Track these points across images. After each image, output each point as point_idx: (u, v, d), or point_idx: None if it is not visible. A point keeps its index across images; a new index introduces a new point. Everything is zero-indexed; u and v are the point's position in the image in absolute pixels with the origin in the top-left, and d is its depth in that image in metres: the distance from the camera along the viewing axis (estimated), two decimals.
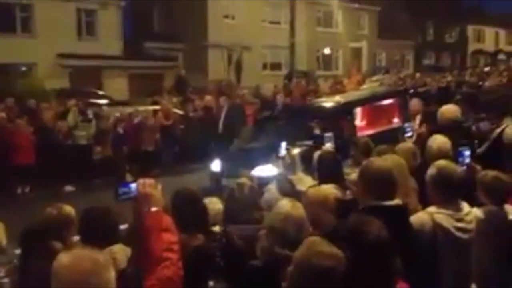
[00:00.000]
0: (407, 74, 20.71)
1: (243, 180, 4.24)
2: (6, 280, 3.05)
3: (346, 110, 9.47)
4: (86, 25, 24.31)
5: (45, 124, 11.46)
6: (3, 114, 11.20)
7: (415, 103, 8.75)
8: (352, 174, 4.79)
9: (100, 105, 16.50)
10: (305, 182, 4.97)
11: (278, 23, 30.27)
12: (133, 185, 2.43)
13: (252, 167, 6.97)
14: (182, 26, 27.41)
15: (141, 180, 2.45)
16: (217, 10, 28.27)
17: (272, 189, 5.06)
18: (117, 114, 13.20)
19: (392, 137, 7.14)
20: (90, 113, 12.46)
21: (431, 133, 5.48)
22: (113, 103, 18.53)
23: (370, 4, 36.15)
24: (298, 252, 2.35)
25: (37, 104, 12.64)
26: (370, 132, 8.81)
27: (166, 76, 25.53)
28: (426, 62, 40.30)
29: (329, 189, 3.61)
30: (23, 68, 21.85)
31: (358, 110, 9.80)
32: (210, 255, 3.22)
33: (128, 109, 13.78)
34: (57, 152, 11.21)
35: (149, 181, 2.45)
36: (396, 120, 10.22)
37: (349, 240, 2.60)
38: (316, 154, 5.54)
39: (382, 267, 2.49)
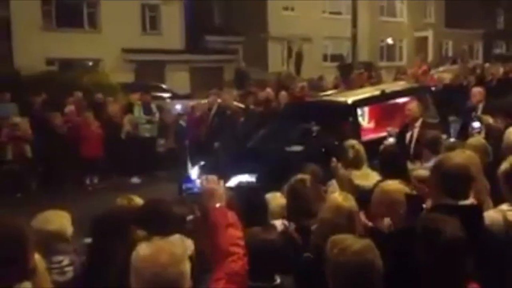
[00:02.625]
0: (476, 64, 19.85)
1: (304, 175, 4.23)
2: (70, 268, 3.14)
3: (348, 110, 8.44)
4: (150, 20, 24.85)
5: (111, 118, 11.86)
6: (72, 108, 11.68)
7: (475, 93, 8.41)
8: (417, 170, 4.65)
9: (163, 99, 16.90)
10: (370, 177, 4.89)
11: (339, 13, 29.73)
12: (197, 181, 2.46)
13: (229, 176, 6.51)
14: (242, 19, 27.52)
15: (204, 176, 2.48)
16: (277, 2, 28.15)
17: (334, 184, 5.01)
18: (179, 107, 13.46)
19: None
20: (153, 107, 12.76)
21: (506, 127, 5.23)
22: (175, 96, 18.93)
23: None
24: (332, 259, 2.32)
25: (104, 98, 13.08)
26: (378, 134, 7.96)
27: (226, 69, 25.76)
28: (496, 51, 38.42)
29: (398, 185, 3.54)
30: (90, 63, 22.67)
31: (365, 110, 8.95)
32: (282, 249, 3.24)
33: (190, 103, 14.01)
34: (122, 145, 11.60)
35: (212, 177, 2.48)
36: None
37: (423, 238, 2.53)
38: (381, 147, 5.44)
39: (455, 266, 2.42)
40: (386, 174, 4.45)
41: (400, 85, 10.65)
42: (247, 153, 8.56)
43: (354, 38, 20.55)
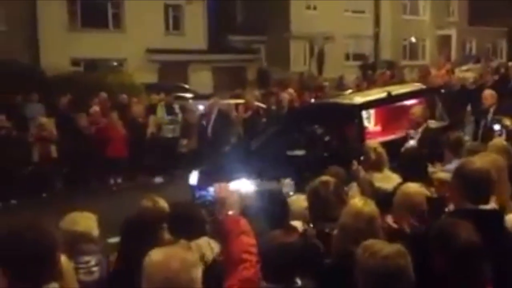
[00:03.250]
0: (500, 63, 19.52)
1: (327, 177, 4.22)
2: (96, 268, 3.22)
3: (353, 112, 8.07)
4: (173, 20, 25.04)
5: (136, 118, 11.99)
6: (97, 108, 11.84)
7: (487, 95, 8.26)
8: (438, 172, 4.63)
9: (186, 99, 17.02)
10: (391, 179, 4.88)
11: (362, 12, 29.48)
12: (210, 189, 2.50)
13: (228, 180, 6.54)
14: (264, 18, 27.52)
15: (217, 184, 2.51)
16: (299, 1, 28.05)
17: (355, 187, 5.00)
18: (201, 108, 13.54)
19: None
20: (176, 107, 12.86)
21: None
22: (198, 96, 19.04)
23: None
24: (362, 263, 2.33)
25: (128, 98, 13.23)
26: (386, 138, 7.66)
27: (249, 69, 25.80)
28: None
29: (419, 188, 3.58)
30: (114, 63, 22.90)
31: (372, 113, 8.72)
32: (301, 252, 3.26)
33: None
34: (146, 145, 11.74)
35: (225, 185, 2.50)
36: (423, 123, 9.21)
37: (439, 243, 2.54)
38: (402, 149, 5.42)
39: (471, 271, 2.43)
40: (407, 176, 4.43)
41: (407, 87, 10.43)
42: (247, 157, 8.34)
43: (376, 37, 20.46)
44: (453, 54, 33.08)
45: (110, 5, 23.37)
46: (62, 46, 20.46)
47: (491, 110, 8.11)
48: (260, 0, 27.61)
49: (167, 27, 24.83)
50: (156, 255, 2.04)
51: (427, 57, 33.60)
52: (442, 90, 11.12)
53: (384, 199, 3.81)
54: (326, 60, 26.56)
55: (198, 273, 2.02)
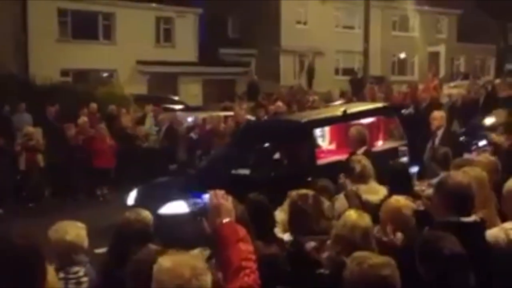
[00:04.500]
0: (486, 80, 19.80)
1: (306, 190, 4.24)
2: (85, 279, 3.20)
3: (303, 130, 7.78)
4: (164, 33, 25.14)
5: (124, 129, 11.97)
6: (86, 119, 11.81)
7: (436, 117, 7.62)
8: (427, 190, 4.69)
9: (175, 111, 17.02)
10: (378, 191, 4.92)
11: (352, 27, 29.89)
12: (205, 196, 2.48)
13: (164, 202, 6.28)
14: (255, 32, 27.74)
15: (212, 191, 2.51)
16: (290, 16, 28.37)
17: (341, 199, 5.02)
18: (190, 120, 13.55)
19: (377, 162, 5.84)
20: (161, 118, 12.86)
21: None
22: (187, 108, 19.06)
23: (450, 7, 34.89)
24: (349, 271, 2.36)
25: (117, 109, 13.22)
26: (340, 157, 7.35)
27: (239, 81, 25.90)
28: (509, 67, 38.19)
29: (406, 201, 3.64)
30: (104, 75, 22.93)
31: (326, 131, 8.54)
32: (282, 263, 3.27)
33: (202, 115, 14.11)
34: (134, 156, 11.70)
35: (220, 192, 2.51)
36: (379, 142, 8.67)
37: (424, 254, 2.59)
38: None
39: (456, 281, 2.48)
40: (393, 190, 4.47)
41: (365, 105, 10.31)
42: (189, 177, 8.14)
43: (366, 53, 20.64)
44: (442, 71, 33.46)
45: (101, 17, 23.43)
46: (52, 57, 20.42)
47: (439, 133, 7.44)
48: (251, 14, 27.84)
49: (158, 39, 24.92)
50: (166, 262, 2.05)
51: (415, 73, 33.97)
52: (410, 109, 11.00)
53: (371, 212, 3.85)
54: (316, 75, 26.73)
55: (208, 280, 2.04)
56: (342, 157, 7.26)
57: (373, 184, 5.18)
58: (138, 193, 7.73)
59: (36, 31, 20.76)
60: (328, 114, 8.99)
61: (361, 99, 14.40)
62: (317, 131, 8.21)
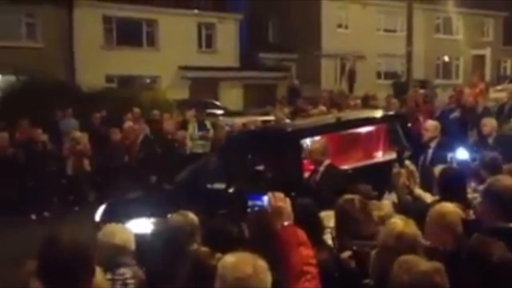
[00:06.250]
0: None
1: (352, 195, 4.18)
2: (132, 281, 3.24)
3: (288, 140, 7.00)
4: (206, 38, 25.42)
5: (167, 134, 12.11)
6: (131, 124, 12.02)
7: (429, 127, 7.03)
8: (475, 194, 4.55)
9: (216, 115, 17.14)
10: (426, 198, 4.83)
11: (394, 31, 29.49)
12: (264, 198, 2.46)
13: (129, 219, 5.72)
14: (296, 36, 27.69)
15: (270, 194, 2.49)
16: (331, 20, 28.23)
17: (386, 205, 4.92)
18: (229, 124, 13.59)
19: (375, 174, 5.58)
20: (208, 123, 12.96)
21: None
22: (228, 113, 19.17)
23: (496, 9, 33.92)
24: (397, 279, 2.30)
25: (160, 114, 13.41)
26: None
27: (279, 86, 25.90)
28: None
29: (453, 208, 3.51)
30: (148, 80, 23.35)
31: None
32: (332, 270, 3.21)
33: (242, 120, 14.15)
34: (176, 161, 11.80)
35: (279, 194, 2.49)
36: (379, 153, 8.03)
37: (472, 262, 2.50)
38: (436, 169, 5.32)
39: None
40: (445, 196, 4.34)
41: (364, 112, 9.70)
42: (163, 192, 7.73)
43: (409, 56, 20.23)
44: (487, 74, 32.53)
45: (145, 24, 23.87)
46: (97, 63, 20.94)
47: (432, 144, 6.89)
48: (292, 19, 27.81)
49: (199, 45, 25.22)
50: (230, 258, 2.15)
51: (460, 76, 33.15)
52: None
53: (422, 209, 3.76)
54: (357, 79, 26.46)
55: (268, 278, 2.09)
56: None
57: (418, 191, 5.09)
58: (106, 209, 7.17)
59: (82, 39, 21.33)
60: (320, 122, 8.34)
61: (405, 103, 14.13)
62: (307, 141, 7.17)
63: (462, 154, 6.41)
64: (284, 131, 7.77)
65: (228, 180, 6.86)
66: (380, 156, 7.98)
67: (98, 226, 6.32)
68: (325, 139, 6.56)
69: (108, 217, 6.58)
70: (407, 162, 5.48)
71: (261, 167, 6.85)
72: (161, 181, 9.22)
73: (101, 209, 7.23)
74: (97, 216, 7.10)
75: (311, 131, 7.41)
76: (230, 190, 6.68)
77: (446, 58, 33.24)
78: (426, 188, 5.04)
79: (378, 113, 9.03)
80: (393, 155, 7.56)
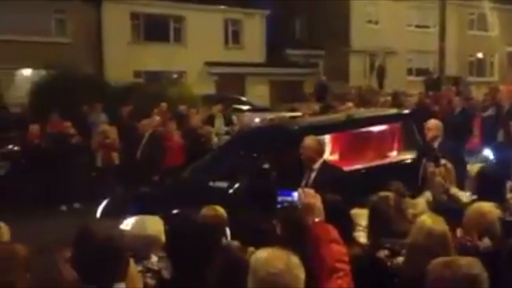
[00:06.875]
0: None
1: (387, 192, 4.11)
2: (162, 273, 3.21)
3: (293, 138, 6.58)
4: (232, 34, 25.46)
5: (194, 129, 12.11)
6: (158, 118, 12.05)
7: (431, 127, 6.71)
8: None
9: (243, 111, 17.10)
10: (461, 197, 4.71)
11: (426, 26, 29.07)
12: (294, 194, 2.43)
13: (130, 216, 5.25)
14: (324, 32, 27.49)
15: (300, 190, 2.44)
16: (361, 15, 28.00)
17: (420, 203, 4.83)
18: (257, 120, 13.54)
19: (389, 175, 5.24)
20: (234, 118, 12.92)
21: None
22: (254, 109, 19.11)
23: None
24: (434, 275, 2.25)
25: (187, 109, 13.42)
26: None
27: (306, 83, 25.77)
28: None
29: (492, 207, 3.47)
30: (174, 76, 23.46)
31: (327, 139, 7.25)
32: (365, 267, 3.14)
33: (269, 115, 14.08)
34: (202, 155, 11.78)
35: (309, 191, 2.44)
36: (393, 153, 7.76)
37: (509, 262, 2.57)
38: (472, 168, 5.22)
39: None
40: (482, 195, 4.23)
41: (377, 111, 9.43)
42: (165, 190, 7.54)
43: (442, 52, 19.85)
44: None
45: (172, 20, 24.01)
46: (125, 59, 21.15)
47: (435, 144, 6.58)
48: (319, 14, 27.62)
49: (226, 41, 25.26)
50: (263, 253, 2.15)
51: (495, 74, 32.45)
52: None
53: (457, 209, 3.73)
54: (388, 75, 26.12)
55: (301, 274, 2.08)
56: (349, 168, 6.59)
57: (455, 190, 4.98)
58: (108, 205, 7.01)
59: (110, 35, 21.61)
60: (327, 121, 8.12)
61: (437, 100, 13.83)
62: None
63: (487, 154, 6.21)
64: (289, 129, 7.56)
65: (230, 178, 6.70)
66: (394, 156, 7.73)
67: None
68: (321, 137, 6.32)
69: (107, 213, 6.53)
70: (444, 161, 5.32)
71: (266, 165, 6.68)
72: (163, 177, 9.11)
73: (102, 204, 7.08)
74: (98, 213, 6.92)
75: (319, 129, 7.15)
76: (233, 189, 6.51)
77: (480, 55, 32.58)
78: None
79: (391, 112, 8.81)
80: (408, 155, 7.34)
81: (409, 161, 7.26)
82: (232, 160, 7.33)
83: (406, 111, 9.17)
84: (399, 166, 7.18)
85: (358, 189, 4.56)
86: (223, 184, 6.66)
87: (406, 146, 7.67)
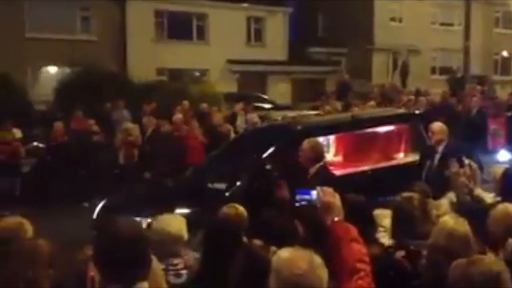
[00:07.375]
0: None
1: (411, 193, 4.06)
2: (185, 271, 3.24)
3: (298, 139, 6.18)
4: (255, 32, 25.43)
5: (215, 126, 12.13)
6: (180, 116, 12.10)
7: (435, 129, 6.49)
8: None
9: (264, 109, 17.07)
10: (486, 198, 4.66)
11: (451, 24, 28.68)
12: (313, 192, 2.41)
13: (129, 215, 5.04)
14: (347, 30, 27.25)
15: (319, 188, 2.42)
16: (384, 13, 27.69)
17: (443, 204, 4.76)
18: (279, 118, 13.47)
19: (396, 177, 5.15)
20: (256, 117, 12.87)
21: None
22: (276, 107, 19.06)
23: None
24: (457, 274, 2.22)
25: (209, 107, 13.45)
26: (345, 171, 6.51)
27: (328, 81, 25.61)
28: None
29: None
30: (197, 74, 23.55)
31: (331, 140, 7.26)
32: (386, 268, 3.11)
33: (290, 114, 14.01)
34: None
35: (328, 189, 2.42)
36: (400, 154, 7.63)
37: None
38: (496, 170, 5.15)
39: None
40: (506, 197, 4.16)
41: (383, 111, 9.19)
42: (164, 191, 7.38)
43: (466, 51, 19.55)
44: None
45: (195, 18, 24.08)
46: (149, 56, 21.30)
47: (440, 148, 6.35)
48: (342, 12, 27.40)
49: (248, 39, 25.24)
50: (285, 253, 2.12)
51: None
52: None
53: (480, 211, 3.68)
54: (411, 73, 25.81)
55: (324, 274, 2.06)
56: (349, 171, 6.55)
57: (479, 191, 4.91)
58: (104, 206, 6.98)
59: (134, 32, 21.75)
60: (332, 121, 8.00)
61: (461, 99, 13.64)
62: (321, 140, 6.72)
63: (503, 155, 6.08)
64: (292, 129, 7.39)
65: (228, 179, 6.59)
66: (401, 157, 7.58)
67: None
68: (324, 138, 6.33)
69: (104, 214, 6.52)
70: (468, 161, 5.24)
71: (268, 166, 6.60)
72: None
73: (99, 206, 7.06)
74: (95, 214, 6.95)
75: (323, 130, 7.07)
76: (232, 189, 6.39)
77: (505, 53, 31.94)
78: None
79: (399, 112, 8.67)
80: (415, 157, 7.18)
81: (415, 163, 7.09)
82: (234, 160, 7.27)
83: (415, 112, 9.00)
84: (404, 168, 7.06)
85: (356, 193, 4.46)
86: (221, 186, 6.57)
87: (413, 148, 7.55)
